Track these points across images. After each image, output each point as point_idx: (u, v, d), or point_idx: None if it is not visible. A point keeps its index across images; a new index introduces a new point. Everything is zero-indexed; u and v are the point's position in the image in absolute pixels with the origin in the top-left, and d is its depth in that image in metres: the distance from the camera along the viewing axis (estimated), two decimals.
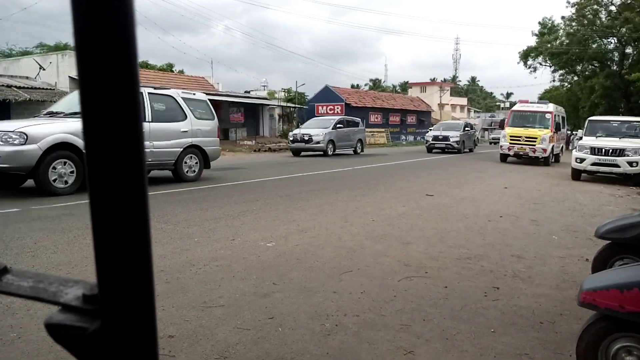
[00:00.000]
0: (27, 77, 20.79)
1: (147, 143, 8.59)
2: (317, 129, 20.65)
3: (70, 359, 0.41)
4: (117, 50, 0.36)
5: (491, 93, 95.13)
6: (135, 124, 0.38)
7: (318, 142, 20.11)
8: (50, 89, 19.79)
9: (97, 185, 0.37)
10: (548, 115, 18.31)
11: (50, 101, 19.02)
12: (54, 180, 7.59)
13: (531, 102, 19.90)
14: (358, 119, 24.83)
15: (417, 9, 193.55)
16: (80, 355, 0.40)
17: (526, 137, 17.75)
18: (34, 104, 18.62)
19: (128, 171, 0.37)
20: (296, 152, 20.86)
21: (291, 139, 21.02)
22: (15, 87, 18.18)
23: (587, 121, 15.14)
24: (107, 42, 0.35)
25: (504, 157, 18.64)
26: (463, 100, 70.93)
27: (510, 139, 18.09)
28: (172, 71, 43.15)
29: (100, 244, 0.38)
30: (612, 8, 31.25)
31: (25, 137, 7.24)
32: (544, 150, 17.47)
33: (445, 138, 24.59)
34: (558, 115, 19.34)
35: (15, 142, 7.17)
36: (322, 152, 20.28)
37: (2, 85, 17.67)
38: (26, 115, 19.11)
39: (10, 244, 4.84)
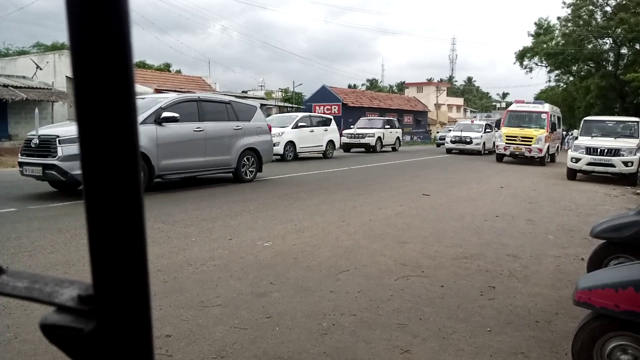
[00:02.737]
0: (24, 77, 20.70)
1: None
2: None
3: (66, 359, 0.42)
4: (112, 50, 0.36)
5: (487, 93, 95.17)
6: (130, 124, 0.38)
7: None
8: (47, 88, 19.70)
9: (92, 186, 0.37)
10: (544, 115, 18.37)
11: (47, 101, 18.96)
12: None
13: (527, 102, 19.95)
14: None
15: (413, 9, 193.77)
16: (75, 356, 0.40)
17: (522, 137, 17.81)
18: (30, 103, 18.54)
19: (123, 172, 0.37)
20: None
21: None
22: (12, 86, 18.10)
23: (582, 121, 15.20)
24: (102, 41, 0.35)
25: (500, 157, 18.70)
26: (459, 101, 71.01)
27: (507, 139, 18.15)
28: (170, 71, 43.07)
29: (95, 244, 0.38)
30: (608, 9, 31.35)
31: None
32: (540, 150, 17.53)
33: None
34: (554, 115, 19.41)
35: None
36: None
37: None
38: (22, 114, 19.04)
39: (7, 243, 4.83)
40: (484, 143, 23.66)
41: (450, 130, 28.10)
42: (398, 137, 26.31)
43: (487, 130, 24.62)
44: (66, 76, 23.58)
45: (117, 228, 0.38)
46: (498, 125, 20.35)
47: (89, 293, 0.40)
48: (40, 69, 22.60)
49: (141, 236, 0.39)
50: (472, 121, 27.60)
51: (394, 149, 25.64)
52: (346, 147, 23.52)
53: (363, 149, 23.53)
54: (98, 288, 0.38)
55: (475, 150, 23.28)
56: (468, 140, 23.37)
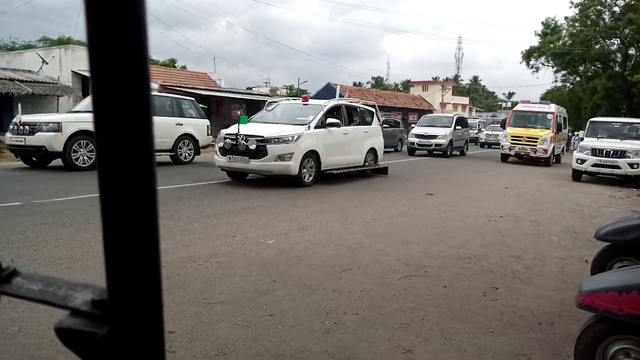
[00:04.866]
0: (30, 71, 20.77)
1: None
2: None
3: (71, 354, 0.42)
4: (129, 45, 0.36)
5: (493, 93, 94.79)
6: (146, 126, 0.38)
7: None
8: (53, 82, 19.78)
9: (108, 193, 0.37)
10: (550, 116, 18.30)
11: (53, 95, 19.03)
12: None
13: (533, 103, 19.86)
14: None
15: (419, 7, 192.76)
16: None
17: (527, 138, 17.74)
18: (36, 97, 18.62)
19: (139, 177, 0.38)
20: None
21: None
22: (18, 80, 18.18)
23: (588, 122, 15.14)
24: (118, 37, 0.35)
25: (504, 157, 18.64)
26: (465, 100, 70.77)
27: (512, 139, 18.09)
28: (175, 67, 43.13)
29: (110, 250, 0.38)
30: (616, 9, 31.14)
31: None
32: (545, 150, 17.45)
33: None
34: (560, 116, 19.31)
35: None
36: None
37: (5, 79, 17.67)
38: (28, 108, 19.10)
39: (12, 237, 4.86)
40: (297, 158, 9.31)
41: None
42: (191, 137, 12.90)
43: (354, 119, 11.44)
44: (72, 70, 23.62)
45: (133, 234, 0.38)
46: (503, 125, 20.05)
47: (103, 298, 0.41)
48: (46, 63, 22.67)
49: (155, 243, 0.39)
50: (305, 99, 11.13)
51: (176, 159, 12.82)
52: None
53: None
54: (112, 293, 0.39)
55: (289, 174, 9.28)
56: (252, 148, 9.05)
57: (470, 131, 34.23)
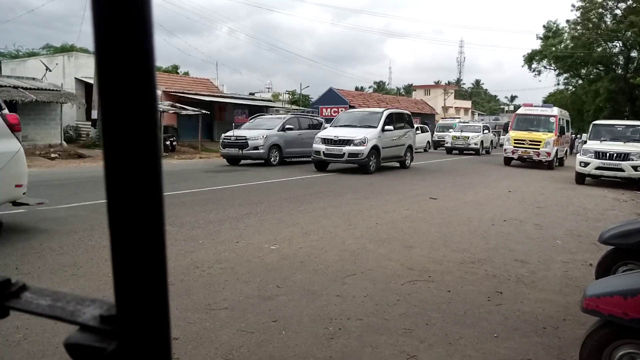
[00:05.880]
0: (33, 78, 20.87)
1: None
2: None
3: None
4: (135, 52, 0.36)
5: (495, 96, 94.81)
6: (152, 130, 0.38)
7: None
8: (57, 90, 19.86)
9: (116, 208, 0.38)
10: (552, 119, 18.27)
11: (56, 102, 19.10)
12: None
13: (535, 106, 19.81)
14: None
15: (420, 12, 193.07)
16: None
17: (530, 141, 17.71)
18: (40, 105, 18.70)
19: (147, 189, 0.38)
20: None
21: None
22: (22, 88, 18.25)
23: (591, 125, 15.09)
24: (125, 44, 0.36)
25: (507, 161, 18.61)
26: (467, 103, 70.86)
27: (515, 143, 18.07)
28: (178, 73, 43.28)
29: (118, 268, 0.39)
30: (618, 12, 31.17)
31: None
32: (548, 154, 17.42)
33: None
34: (562, 119, 19.28)
35: None
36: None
37: (9, 87, 17.76)
38: (32, 115, 19.21)
39: (17, 244, 4.87)
40: None
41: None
42: None
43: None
44: (75, 78, 23.76)
45: (140, 253, 0.39)
46: (506, 128, 19.92)
47: (111, 313, 0.41)
48: (50, 71, 22.82)
49: (162, 259, 0.40)
50: None
51: None
52: None
53: None
54: (121, 309, 0.39)
55: None
56: None
57: (446, 133, 27.26)
